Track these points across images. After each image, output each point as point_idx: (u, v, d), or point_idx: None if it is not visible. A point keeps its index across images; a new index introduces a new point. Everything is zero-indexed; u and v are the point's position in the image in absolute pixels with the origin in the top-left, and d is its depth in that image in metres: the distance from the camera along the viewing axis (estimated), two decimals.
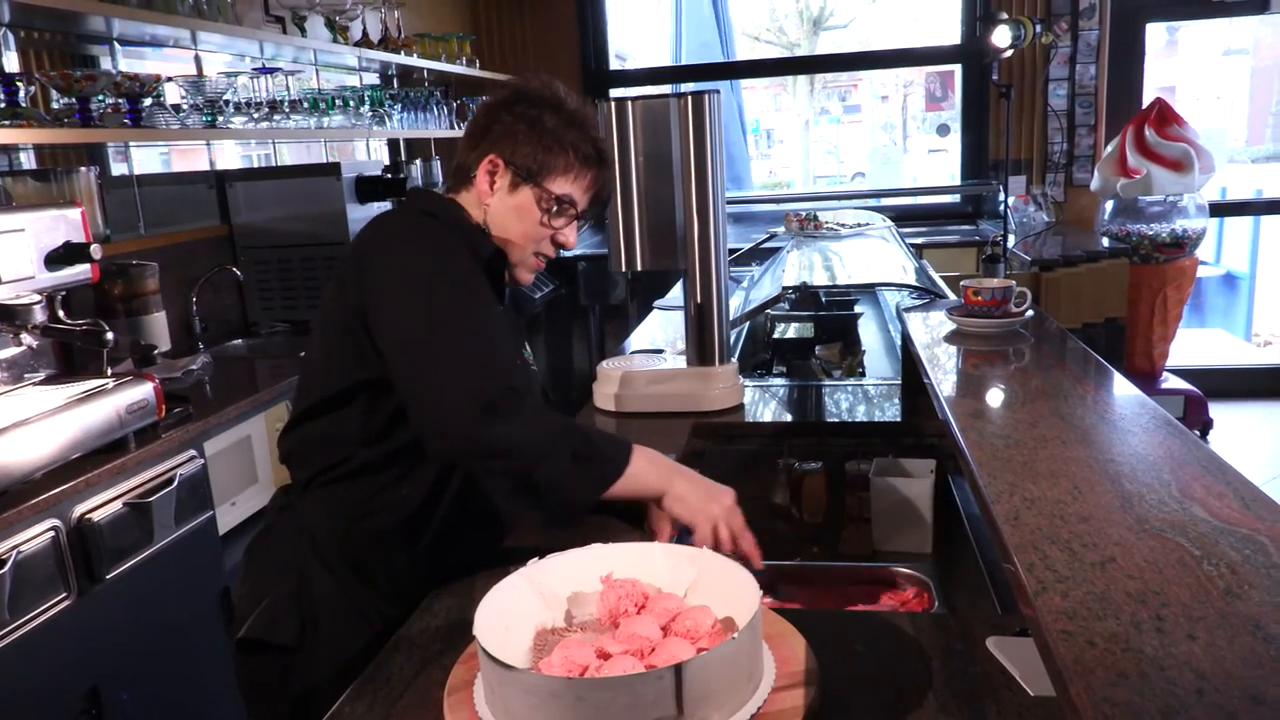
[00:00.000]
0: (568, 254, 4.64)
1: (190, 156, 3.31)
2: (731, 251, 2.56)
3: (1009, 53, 4.40)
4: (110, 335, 1.94)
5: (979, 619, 1.14)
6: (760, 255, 3.52)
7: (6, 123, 2.16)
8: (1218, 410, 4.30)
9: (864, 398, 2.12)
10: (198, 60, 3.15)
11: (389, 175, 3.43)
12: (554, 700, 0.82)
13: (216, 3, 2.74)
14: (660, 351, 2.29)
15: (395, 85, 4.33)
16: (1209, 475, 0.95)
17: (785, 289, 2.34)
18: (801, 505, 1.84)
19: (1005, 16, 4.35)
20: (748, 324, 2.74)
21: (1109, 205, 4.45)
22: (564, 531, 1.25)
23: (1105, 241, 4.32)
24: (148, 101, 2.52)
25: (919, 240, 4.45)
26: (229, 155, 3.49)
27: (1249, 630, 0.67)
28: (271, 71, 3.18)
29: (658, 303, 3.07)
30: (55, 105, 2.45)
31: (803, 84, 11.09)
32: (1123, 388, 1.33)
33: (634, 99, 1.82)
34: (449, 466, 1.32)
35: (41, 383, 1.98)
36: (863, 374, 2.42)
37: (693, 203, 1.83)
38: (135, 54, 2.90)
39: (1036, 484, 0.96)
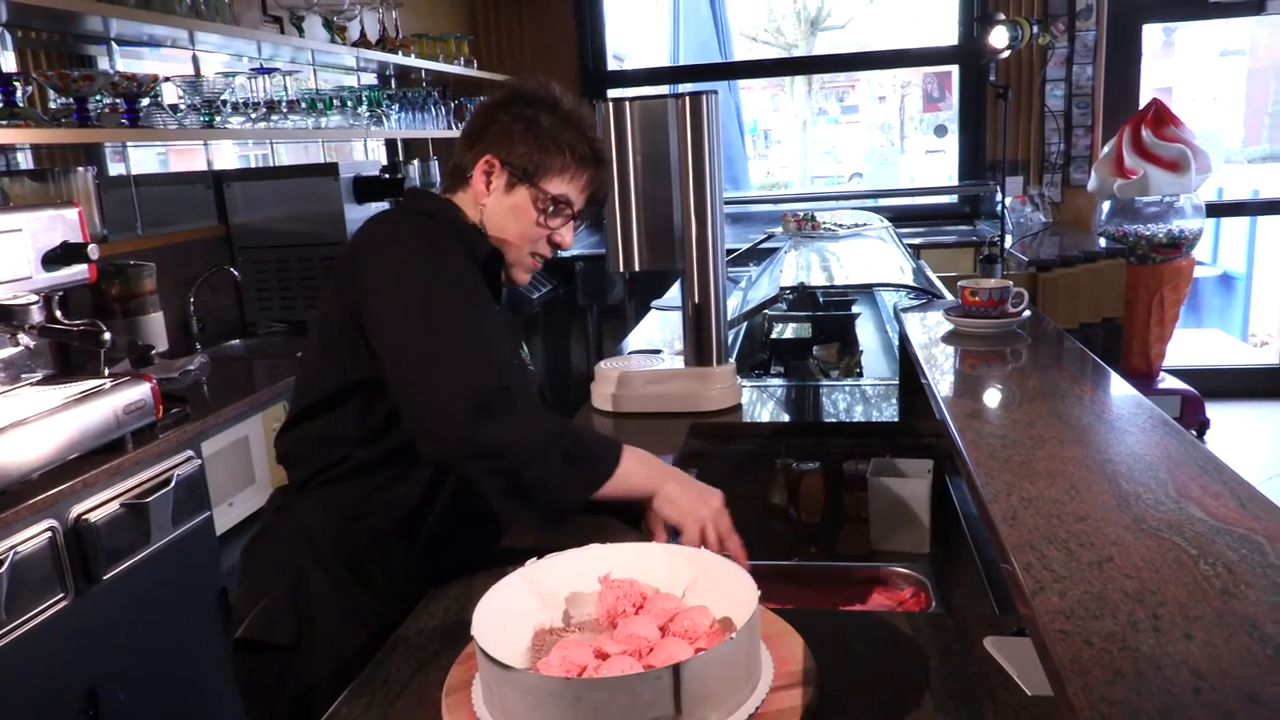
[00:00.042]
0: (565, 254, 4.64)
1: (187, 156, 3.31)
2: (729, 252, 2.56)
3: (1006, 53, 4.41)
4: (107, 335, 1.94)
5: (976, 619, 1.14)
6: (758, 255, 3.52)
7: (4, 123, 2.16)
8: (1214, 410, 4.31)
9: (861, 398, 2.12)
10: (195, 60, 3.15)
11: (387, 175, 3.43)
12: (552, 700, 0.82)
13: (214, 3, 2.74)
14: (658, 352, 2.29)
15: (393, 85, 4.33)
16: (1206, 475, 0.96)
17: (783, 289, 2.34)
18: (799, 505, 1.84)
19: (1002, 17, 4.36)
20: (745, 324, 2.74)
21: (1106, 206, 4.45)
22: (562, 532, 1.25)
23: (1102, 242, 4.33)
24: (145, 101, 2.52)
25: (916, 241, 4.45)
26: (226, 155, 3.49)
27: (1245, 629, 0.67)
28: (269, 72, 3.18)
29: (655, 303, 3.07)
30: (53, 105, 2.45)
31: (800, 84, 11.09)
32: (1120, 388, 1.33)
33: (632, 99, 1.82)
34: (450, 467, 1.32)
35: (39, 383, 1.97)
36: (860, 374, 2.42)
37: (690, 203, 1.83)
38: (133, 54, 2.90)
39: (1034, 484, 0.96)
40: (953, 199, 5.22)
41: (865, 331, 2.81)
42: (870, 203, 5.37)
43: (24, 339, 1.94)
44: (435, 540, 1.35)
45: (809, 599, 1.49)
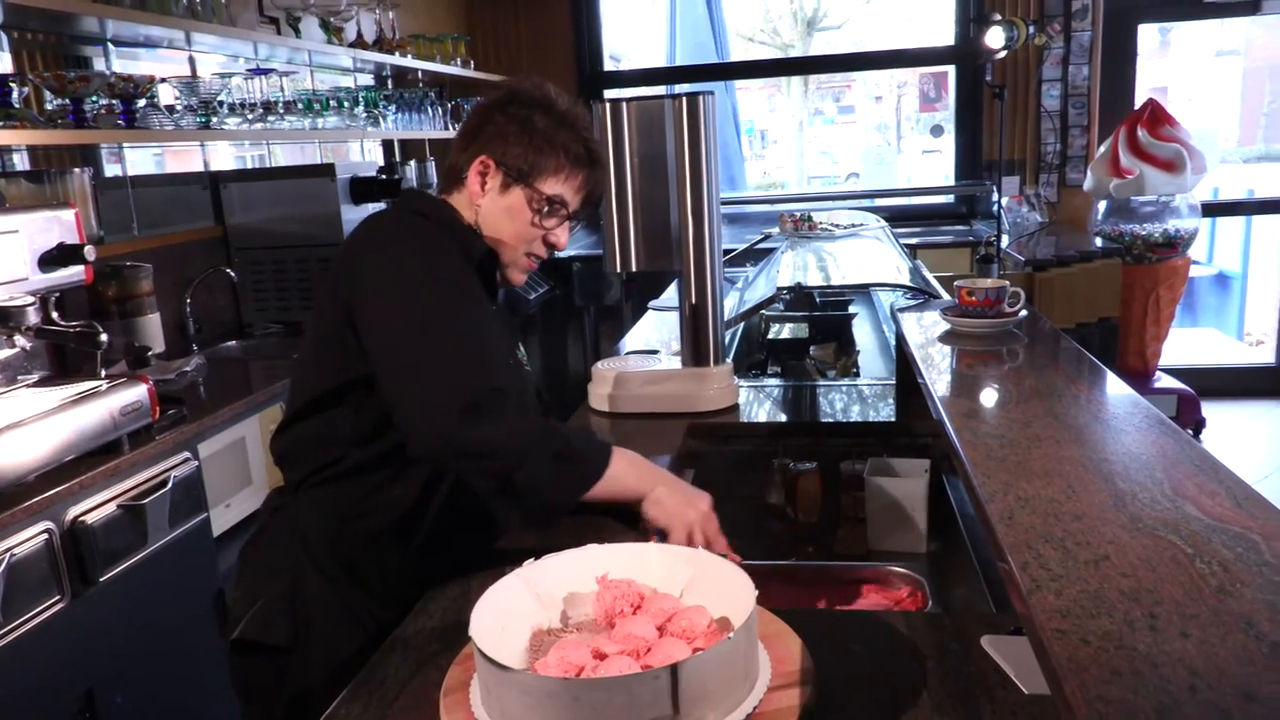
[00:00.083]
0: (562, 255, 4.64)
1: (184, 158, 3.30)
2: (726, 252, 2.56)
3: (1002, 54, 4.42)
4: (104, 337, 1.94)
5: (973, 618, 1.14)
6: (755, 256, 3.52)
7: (0, 124, 2.15)
8: (1210, 409, 4.32)
9: (858, 398, 2.13)
10: (192, 61, 3.15)
11: (384, 176, 3.43)
12: (550, 701, 0.82)
13: (210, 4, 2.74)
14: (655, 352, 2.29)
15: (390, 86, 4.32)
16: (1201, 474, 0.96)
17: (780, 289, 2.34)
18: (796, 505, 1.85)
19: (998, 18, 4.37)
20: (742, 324, 2.74)
21: (1102, 205, 4.46)
22: (559, 532, 1.25)
23: (1098, 241, 4.34)
24: (142, 102, 2.52)
25: (913, 241, 4.46)
26: (223, 156, 3.49)
27: (1241, 628, 0.67)
28: (266, 72, 3.18)
29: (652, 303, 3.07)
30: (49, 106, 2.44)
31: (797, 85, 11.09)
32: (1116, 387, 1.34)
33: (629, 100, 1.82)
34: (440, 467, 1.32)
35: (35, 385, 1.97)
36: (857, 374, 2.43)
37: (687, 204, 1.83)
38: (129, 55, 2.90)
39: (1030, 483, 0.97)
40: (949, 199, 5.23)
41: (862, 331, 2.81)
42: (867, 203, 5.38)
43: (20, 340, 1.94)
44: (431, 541, 1.35)
45: (806, 599, 1.49)
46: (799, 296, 2.97)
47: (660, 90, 5.76)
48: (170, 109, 2.75)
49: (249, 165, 3.68)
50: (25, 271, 1.88)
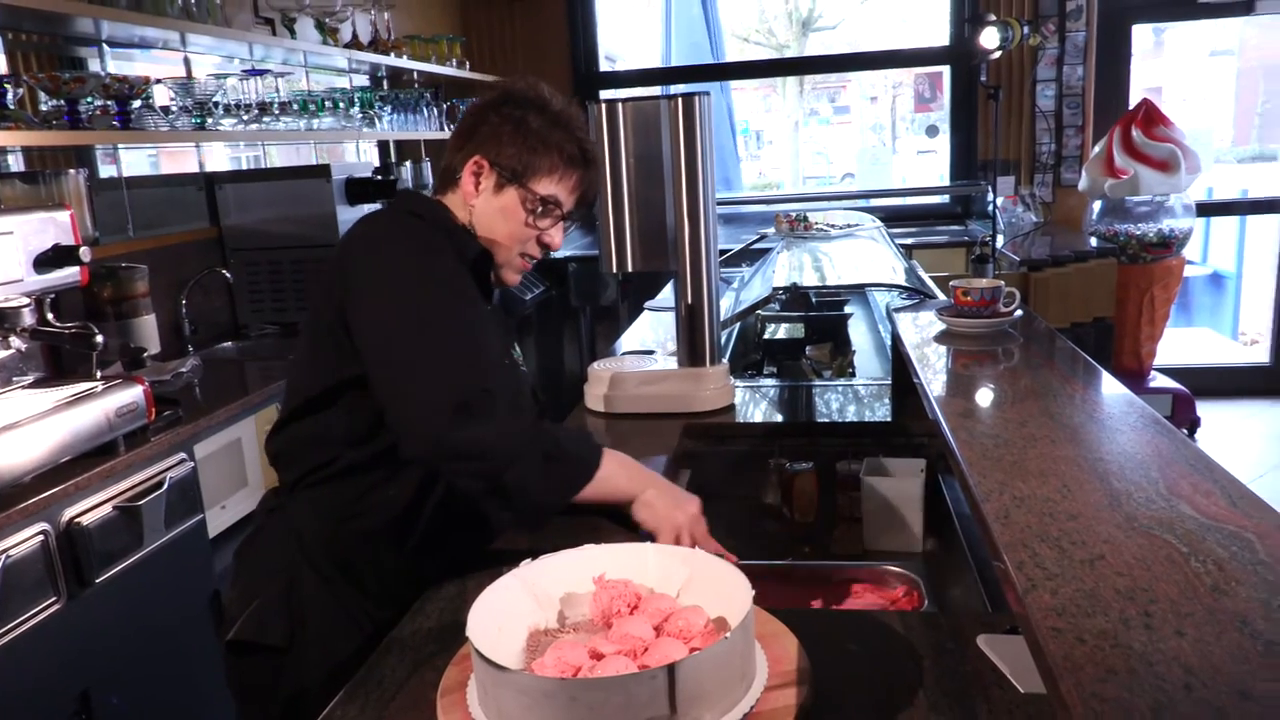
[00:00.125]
0: (558, 255, 4.64)
1: (179, 158, 3.30)
2: (722, 252, 2.56)
3: (997, 54, 4.42)
4: (99, 338, 1.94)
5: (969, 617, 1.14)
6: (750, 256, 3.53)
7: None
8: (1205, 409, 4.33)
9: (854, 398, 2.13)
10: (187, 62, 3.14)
11: (379, 177, 3.42)
12: (547, 701, 0.82)
13: (206, 4, 2.73)
14: (651, 353, 2.30)
15: (385, 87, 4.32)
16: (1196, 473, 0.96)
17: (775, 290, 2.34)
18: (792, 505, 1.85)
19: (993, 18, 4.37)
20: (738, 325, 2.74)
21: (1096, 205, 4.47)
22: (556, 533, 1.25)
23: (1093, 241, 4.35)
24: (137, 103, 2.51)
25: (908, 241, 4.47)
26: (218, 157, 3.48)
27: (1236, 626, 0.67)
28: (261, 73, 3.18)
29: (648, 304, 3.07)
30: (43, 107, 2.44)
31: (792, 85, 11.11)
32: (1111, 387, 1.34)
33: (624, 101, 1.82)
34: (432, 468, 1.32)
35: (30, 386, 1.97)
36: (853, 374, 2.43)
37: (683, 204, 1.83)
38: (124, 55, 2.89)
39: (1026, 482, 0.97)
40: (944, 199, 5.23)
41: (858, 331, 2.82)
42: (862, 203, 5.39)
43: (15, 342, 1.93)
44: (427, 541, 1.35)
45: (803, 598, 1.49)
46: (795, 297, 2.97)
47: (656, 91, 5.77)
48: (165, 110, 2.75)
49: (244, 166, 3.67)
50: (20, 273, 1.88)
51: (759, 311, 2.77)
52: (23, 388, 1.95)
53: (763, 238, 3.73)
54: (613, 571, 1.05)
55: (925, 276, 2.65)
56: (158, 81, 2.78)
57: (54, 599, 1.71)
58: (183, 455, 2.09)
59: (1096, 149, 4.45)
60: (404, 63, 4.02)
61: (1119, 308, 4.23)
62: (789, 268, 2.73)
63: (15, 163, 2.51)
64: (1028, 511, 0.90)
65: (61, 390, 1.90)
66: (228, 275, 3.14)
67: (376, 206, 3.30)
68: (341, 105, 3.53)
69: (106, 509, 1.84)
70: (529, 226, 1.40)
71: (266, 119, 3.16)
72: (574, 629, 1.03)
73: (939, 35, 5.13)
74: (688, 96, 1.80)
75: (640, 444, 1.75)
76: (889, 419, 1.95)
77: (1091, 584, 0.75)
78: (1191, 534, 0.82)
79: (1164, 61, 7.75)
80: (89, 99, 2.40)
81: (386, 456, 1.29)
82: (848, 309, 3.01)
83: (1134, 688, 0.61)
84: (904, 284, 2.27)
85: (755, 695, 0.88)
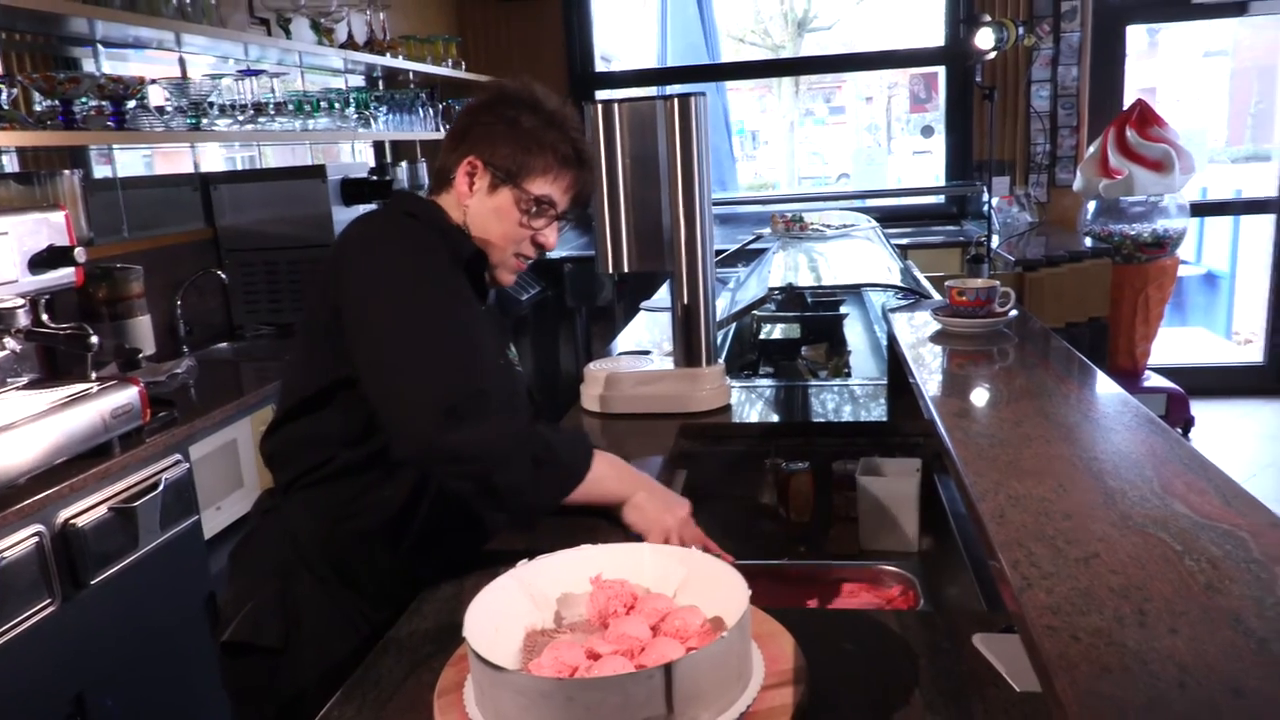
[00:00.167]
0: (554, 256, 4.65)
1: (173, 159, 3.29)
2: (718, 253, 2.57)
3: (992, 55, 4.43)
4: (94, 339, 1.94)
5: (965, 616, 1.15)
6: (746, 256, 3.53)
7: None
8: (1199, 408, 4.34)
9: (850, 398, 2.13)
10: (182, 62, 3.14)
11: (375, 177, 3.42)
12: (544, 701, 0.82)
13: (200, 4, 2.73)
14: (647, 353, 2.30)
15: (380, 87, 4.32)
16: (1190, 472, 0.97)
17: (771, 290, 2.35)
18: (788, 505, 1.85)
19: (988, 19, 4.38)
20: (734, 325, 2.74)
21: (1091, 205, 4.49)
22: (552, 533, 1.26)
23: (1088, 241, 4.36)
24: (131, 104, 2.51)
25: (904, 241, 4.47)
26: (212, 157, 3.48)
27: (1229, 624, 0.68)
28: (256, 73, 3.17)
29: (644, 304, 3.08)
30: (38, 107, 2.44)
31: (787, 85, 11.12)
32: (1105, 386, 1.34)
33: (621, 101, 1.82)
34: (424, 469, 1.32)
35: (25, 387, 1.97)
36: (849, 374, 2.43)
37: (679, 205, 1.84)
38: (118, 56, 2.89)
39: (1021, 482, 0.97)
40: (939, 199, 5.24)
41: (853, 332, 2.82)
42: (857, 203, 5.39)
43: (10, 343, 1.93)
44: (422, 542, 1.35)
45: (799, 598, 1.49)
46: (790, 297, 2.98)
47: (652, 91, 5.77)
48: (160, 110, 2.75)
49: (238, 166, 3.67)
50: (15, 274, 1.88)
51: (755, 312, 2.77)
52: (17, 389, 1.95)
53: (758, 238, 3.73)
54: (609, 572, 1.05)
55: (920, 277, 2.66)
56: (152, 82, 2.78)
57: (49, 600, 1.70)
58: (178, 456, 2.08)
59: (1091, 149, 4.46)
60: (399, 63, 4.02)
61: (1114, 307, 4.24)
62: (785, 268, 2.73)
63: (10, 163, 2.50)
64: (1023, 510, 0.90)
65: (56, 391, 1.90)
66: (223, 276, 3.14)
67: (372, 207, 3.30)
68: (337, 106, 3.53)
69: (101, 510, 1.83)
70: (523, 227, 1.40)
71: (262, 119, 3.16)
72: (571, 629, 1.03)
73: (934, 36, 5.14)
74: (684, 97, 1.80)
75: (636, 444, 1.75)
76: (885, 419, 1.96)
77: (1086, 582, 0.75)
78: (1185, 532, 0.83)
79: (1158, 62, 7.77)
80: (84, 99, 2.40)
81: (381, 457, 1.29)
82: (843, 309, 3.02)
83: (1128, 685, 0.62)
84: (899, 284, 2.27)
85: (752, 695, 0.88)
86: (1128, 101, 4.60)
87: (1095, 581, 0.75)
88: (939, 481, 1.79)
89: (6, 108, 2.23)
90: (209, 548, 2.20)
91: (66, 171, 2.36)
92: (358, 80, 4.19)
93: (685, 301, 1.92)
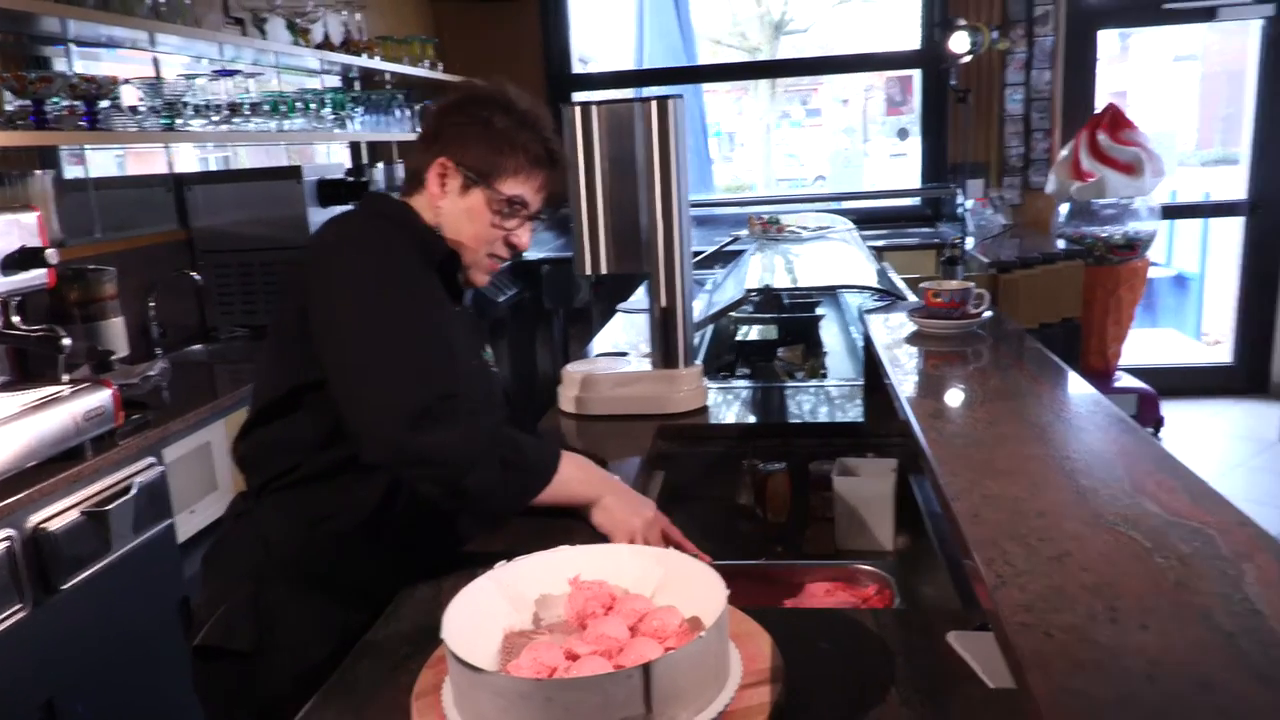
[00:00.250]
0: (531, 257, 4.64)
1: (147, 159, 3.26)
2: (695, 254, 2.57)
3: (967, 58, 4.48)
4: (66, 341, 1.92)
5: (940, 614, 1.16)
6: (724, 258, 3.54)
7: None
8: (1169, 408, 4.40)
9: (826, 399, 2.14)
10: (155, 62, 3.11)
11: (351, 179, 3.40)
12: (523, 702, 0.82)
13: (175, 4, 2.71)
14: (624, 354, 2.30)
15: (357, 88, 4.29)
16: (1160, 471, 0.98)
17: (748, 291, 2.36)
18: (766, 505, 1.86)
19: (963, 23, 4.42)
20: (712, 327, 2.75)
21: (1064, 208, 4.53)
22: (530, 534, 1.26)
23: (1061, 243, 4.40)
24: (104, 104, 2.48)
25: (880, 243, 4.49)
26: (186, 158, 3.45)
27: (1198, 620, 0.69)
28: (231, 74, 3.15)
29: (621, 306, 3.08)
30: (9, 107, 2.40)
31: (764, 87, 11.15)
32: (1078, 386, 1.36)
33: (598, 103, 1.82)
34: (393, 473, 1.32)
35: None
36: (825, 375, 2.45)
37: (657, 206, 1.84)
38: (90, 55, 2.86)
39: (995, 481, 0.98)
40: (915, 201, 5.28)
41: (830, 333, 2.84)
42: (834, 205, 5.41)
43: None
44: (397, 544, 1.34)
45: (776, 598, 1.50)
46: (767, 299, 2.99)
47: (629, 93, 5.77)
48: (134, 110, 2.72)
49: (212, 167, 3.64)
50: None
51: (732, 313, 2.78)
52: None
53: (735, 240, 3.74)
54: (587, 572, 1.06)
55: (896, 278, 2.68)
56: (125, 81, 2.75)
57: (19, 606, 1.68)
58: (151, 459, 2.06)
59: (1064, 152, 4.51)
60: (376, 64, 4.00)
61: (1086, 309, 4.29)
62: (762, 270, 2.74)
63: None
64: (997, 509, 0.91)
65: (27, 394, 1.88)
66: (197, 278, 3.11)
67: (349, 208, 3.28)
68: (313, 106, 3.51)
69: (73, 514, 1.81)
70: (495, 227, 1.40)
71: (237, 120, 3.13)
72: (549, 630, 1.03)
73: (910, 39, 5.18)
74: (661, 100, 1.80)
75: (614, 446, 1.76)
76: (861, 420, 1.97)
77: (1059, 580, 0.76)
78: (1156, 531, 0.84)
79: (1129, 66, 7.87)
80: (55, 99, 2.37)
81: (353, 460, 1.28)
82: (820, 311, 3.04)
83: (1100, 680, 0.63)
84: (875, 286, 2.29)
85: (730, 694, 0.89)
86: (1099, 105, 4.66)
87: (1068, 579, 0.76)
88: (914, 481, 1.81)
89: None
90: (183, 551, 2.18)
91: (38, 172, 2.34)
92: (334, 81, 4.16)
93: (663, 303, 1.92)
